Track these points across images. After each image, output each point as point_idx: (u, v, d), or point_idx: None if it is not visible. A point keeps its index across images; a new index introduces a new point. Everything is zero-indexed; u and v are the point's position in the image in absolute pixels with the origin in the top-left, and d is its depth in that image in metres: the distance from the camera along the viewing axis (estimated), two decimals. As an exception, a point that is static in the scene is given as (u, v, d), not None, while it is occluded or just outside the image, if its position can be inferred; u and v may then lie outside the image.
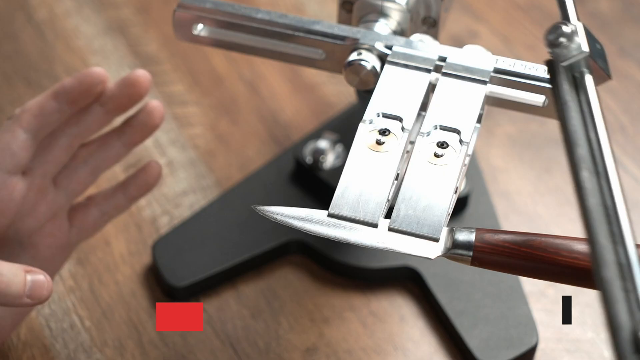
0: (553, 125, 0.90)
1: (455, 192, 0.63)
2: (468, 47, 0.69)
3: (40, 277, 0.63)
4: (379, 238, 0.61)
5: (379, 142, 0.64)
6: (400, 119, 0.65)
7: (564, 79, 0.59)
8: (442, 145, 0.64)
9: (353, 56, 0.69)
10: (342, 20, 0.74)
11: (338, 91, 0.93)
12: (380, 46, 0.69)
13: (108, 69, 0.94)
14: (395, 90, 0.67)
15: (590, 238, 0.50)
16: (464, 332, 0.74)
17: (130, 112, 0.73)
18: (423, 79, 0.67)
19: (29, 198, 0.70)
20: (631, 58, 0.96)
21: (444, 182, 0.62)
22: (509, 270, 0.61)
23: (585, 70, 0.59)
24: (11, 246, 0.70)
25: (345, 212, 0.61)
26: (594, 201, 0.52)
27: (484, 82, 0.67)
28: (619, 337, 0.46)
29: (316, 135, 0.84)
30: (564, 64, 0.59)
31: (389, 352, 0.75)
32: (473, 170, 0.83)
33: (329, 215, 0.61)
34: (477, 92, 0.67)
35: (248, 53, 0.73)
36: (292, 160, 0.83)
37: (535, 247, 0.60)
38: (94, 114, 0.72)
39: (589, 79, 0.59)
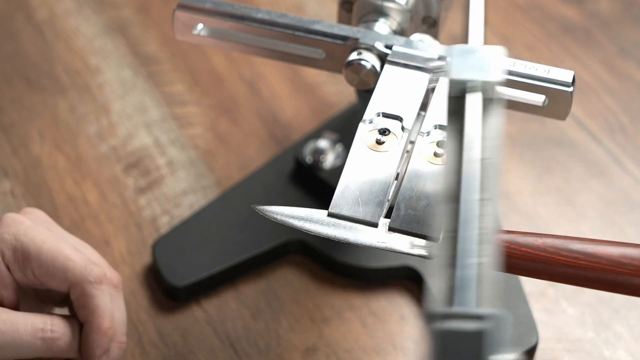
0: (553, 125, 0.90)
1: None
2: None
3: None
4: (379, 238, 0.61)
5: (379, 142, 0.64)
6: (400, 119, 0.65)
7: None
8: (443, 144, 0.64)
9: (353, 56, 0.69)
10: (342, 20, 0.74)
11: (338, 91, 0.92)
12: (380, 46, 0.69)
13: (108, 69, 0.94)
14: (395, 90, 0.67)
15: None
16: (464, 332, 0.74)
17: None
18: (423, 79, 0.67)
19: None
20: (631, 58, 0.96)
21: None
22: (508, 270, 0.61)
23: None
24: None
25: (345, 212, 0.61)
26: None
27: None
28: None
29: (316, 135, 0.84)
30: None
31: (389, 352, 0.75)
32: (473, 170, 0.83)
33: (329, 214, 0.61)
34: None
35: (248, 53, 0.73)
36: (292, 160, 0.83)
37: (535, 247, 0.60)
38: None
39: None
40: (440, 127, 0.65)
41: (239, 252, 0.79)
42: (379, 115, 0.65)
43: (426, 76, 0.67)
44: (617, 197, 0.85)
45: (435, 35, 0.73)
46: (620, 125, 0.91)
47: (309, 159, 0.82)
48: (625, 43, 0.98)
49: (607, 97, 0.93)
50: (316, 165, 0.82)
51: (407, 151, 0.65)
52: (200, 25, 0.72)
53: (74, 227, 0.82)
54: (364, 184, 0.62)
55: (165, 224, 0.82)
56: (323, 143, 0.82)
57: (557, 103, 0.67)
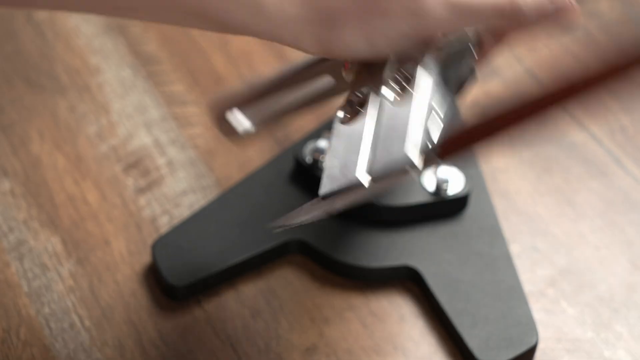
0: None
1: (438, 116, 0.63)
2: None
3: None
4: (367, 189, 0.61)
5: (353, 109, 0.65)
6: (374, 88, 0.66)
7: None
8: (405, 80, 0.64)
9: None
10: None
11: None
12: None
13: (108, 68, 0.94)
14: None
15: None
16: (464, 332, 0.74)
17: None
18: None
19: None
20: (631, 58, 0.96)
21: (411, 116, 0.62)
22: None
23: None
24: None
25: (334, 187, 0.61)
26: None
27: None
28: None
29: (316, 135, 0.84)
30: None
31: (389, 352, 0.75)
32: (473, 170, 0.83)
33: (322, 198, 0.61)
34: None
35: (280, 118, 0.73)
36: (292, 160, 0.83)
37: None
38: None
39: None
40: (404, 69, 0.65)
41: (239, 252, 0.79)
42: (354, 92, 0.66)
43: None
44: (617, 197, 0.85)
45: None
46: (620, 125, 0.91)
47: (308, 159, 0.82)
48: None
49: (607, 96, 0.93)
50: (316, 165, 0.82)
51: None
52: None
53: (74, 227, 0.82)
54: (345, 158, 0.62)
55: (165, 224, 0.82)
56: (323, 143, 0.82)
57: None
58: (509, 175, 0.87)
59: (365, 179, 0.61)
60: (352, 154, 0.62)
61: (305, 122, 0.90)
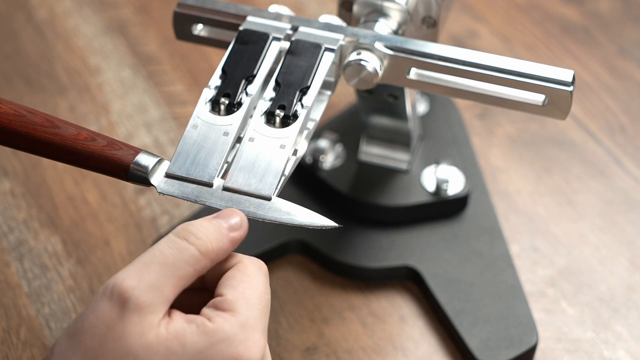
0: (553, 125, 0.90)
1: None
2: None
3: None
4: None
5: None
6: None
7: None
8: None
9: (353, 56, 0.69)
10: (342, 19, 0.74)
11: (338, 91, 0.92)
12: (380, 46, 0.69)
13: (108, 68, 0.94)
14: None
15: None
16: (464, 332, 0.74)
17: None
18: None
19: None
20: (631, 58, 0.96)
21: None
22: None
23: None
24: None
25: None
26: None
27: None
28: None
29: (316, 135, 0.84)
30: None
31: (389, 352, 0.75)
32: (473, 170, 0.83)
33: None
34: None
35: None
36: (292, 160, 0.83)
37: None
38: None
39: None
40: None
41: (239, 252, 0.78)
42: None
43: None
44: (617, 197, 0.85)
45: (435, 36, 0.73)
46: (620, 125, 0.91)
47: (308, 159, 0.82)
48: (625, 43, 0.98)
49: (607, 97, 0.93)
50: (316, 165, 0.82)
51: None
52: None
53: (74, 227, 0.82)
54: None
55: (165, 224, 0.82)
56: (323, 143, 0.82)
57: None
58: (509, 175, 0.87)
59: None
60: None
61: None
